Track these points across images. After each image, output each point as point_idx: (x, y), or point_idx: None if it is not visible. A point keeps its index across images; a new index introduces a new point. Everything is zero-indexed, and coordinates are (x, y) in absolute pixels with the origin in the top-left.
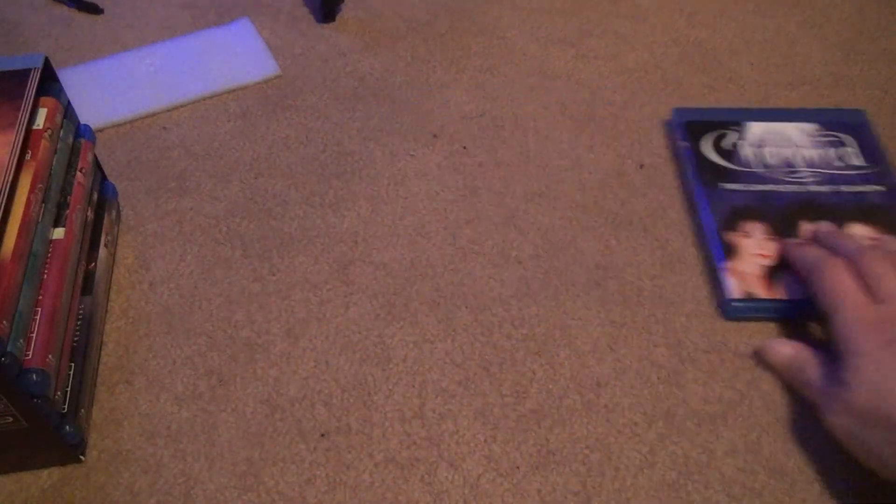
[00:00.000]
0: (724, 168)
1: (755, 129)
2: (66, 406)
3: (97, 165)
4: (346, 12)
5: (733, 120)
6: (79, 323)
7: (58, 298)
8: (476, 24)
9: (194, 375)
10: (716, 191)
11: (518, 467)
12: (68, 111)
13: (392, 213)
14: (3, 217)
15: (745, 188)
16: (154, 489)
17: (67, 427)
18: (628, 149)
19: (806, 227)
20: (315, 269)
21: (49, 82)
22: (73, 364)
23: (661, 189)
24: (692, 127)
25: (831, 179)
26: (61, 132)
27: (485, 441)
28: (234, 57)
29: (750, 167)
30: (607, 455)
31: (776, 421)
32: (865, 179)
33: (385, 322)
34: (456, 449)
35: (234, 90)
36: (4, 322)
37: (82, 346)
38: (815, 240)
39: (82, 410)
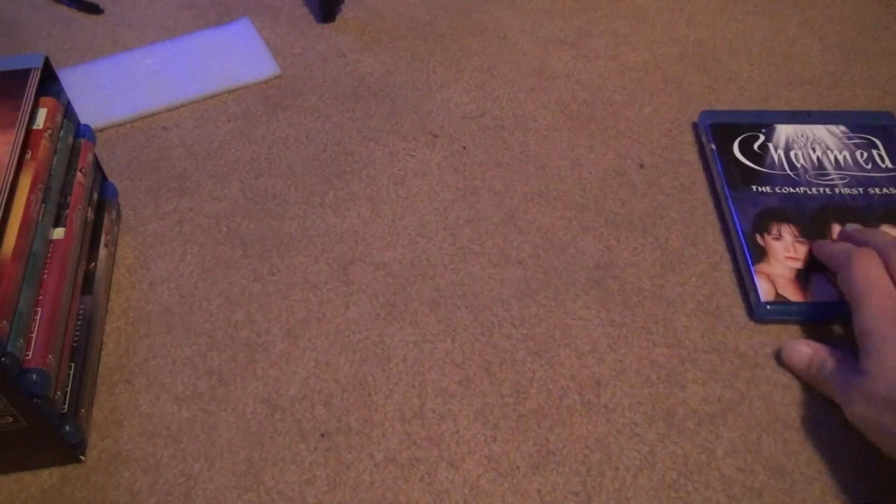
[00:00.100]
0: (753, 170)
1: (783, 131)
2: (66, 406)
3: (97, 165)
4: (346, 12)
5: (761, 122)
6: (79, 323)
7: (58, 298)
8: (476, 24)
9: (194, 375)
10: (744, 193)
11: (518, 467)
12: (68, 111)
13: (392, 213)
14: (3, 217)
15: (774, 190)
16: (154, 489)
17: (67, 427)
18: (628, 149)
19: (836, 228)
20: (315, 269)
21: (49, 82)
22: (73, 364)
23: (661, 189)
24: (719, 129)
25: (860, 182)
26: (61, 132)
27: (485, 441)
28: (234, 57)
29: (778, 169)
30: (607, 455)
31: (776, 421)
32: (894, 181)
33: (385, 322)
34: (456, 449)
35: (234, 90)
36: (4, 322)
37: (82, 346)
38: (844, 236)
39: (82, 410)
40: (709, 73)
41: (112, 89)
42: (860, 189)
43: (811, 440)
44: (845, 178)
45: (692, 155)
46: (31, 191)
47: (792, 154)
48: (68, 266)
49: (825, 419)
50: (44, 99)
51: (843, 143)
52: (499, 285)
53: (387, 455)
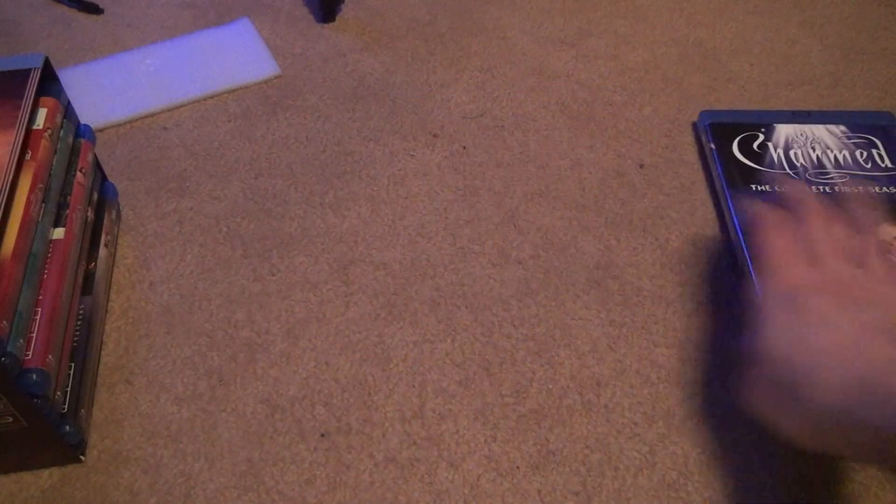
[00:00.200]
0: (753, 169)
1: (782, 130)
2: (66, 406)
3: (97, 165)
4: (346, 12)
5: (760, 122)
6: (79, 323)
7: (58, 298)
8: (476, 24)
9: (194, 375)
10: (744, 192)
11: (518, 467)
12: (68, 111)
13: (392, 213)
14: (3, 217)
15: (774, 189)
16: (154, 489)
17: (67, 427)
18: (628, 149)
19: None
20: (315, 269)
21: (49, 82)
22: (73, 364)
23: (661, 189)
24: (719, 129)
25: (860, 181)
26: (61, 132)
27: (485, 441)
28: (234, 57)
29: (778, 168)
30: (607, 455)
31: None
32: (894, 181)
33: (385, 322)
34: (456, 449)
35: (234, 90)
36: (4, 322)
37: (82, 346)
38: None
39: (82, 410)
40: (709, 73)
41: (112, 89)
42: (860, 188)
43: None
44: (845, 178)
45: (692, 155)
46: (31, 191)
47: (791, 153)
48: (68, 266)
49: None
50: (44, 99)
51: (842, 142)
52: (499, 285)
53: (387, 455)
